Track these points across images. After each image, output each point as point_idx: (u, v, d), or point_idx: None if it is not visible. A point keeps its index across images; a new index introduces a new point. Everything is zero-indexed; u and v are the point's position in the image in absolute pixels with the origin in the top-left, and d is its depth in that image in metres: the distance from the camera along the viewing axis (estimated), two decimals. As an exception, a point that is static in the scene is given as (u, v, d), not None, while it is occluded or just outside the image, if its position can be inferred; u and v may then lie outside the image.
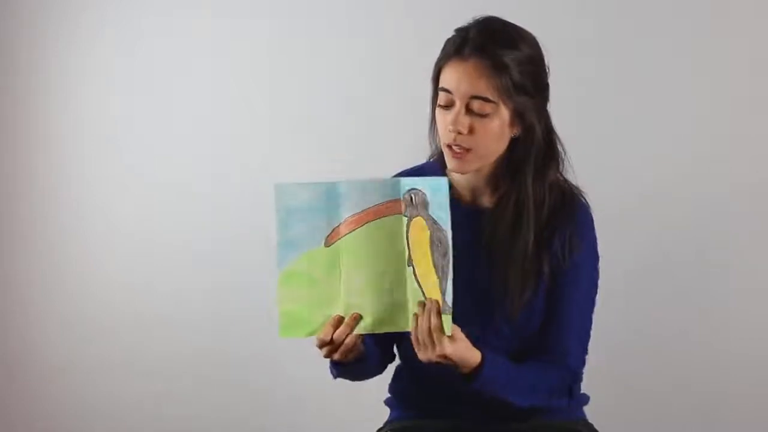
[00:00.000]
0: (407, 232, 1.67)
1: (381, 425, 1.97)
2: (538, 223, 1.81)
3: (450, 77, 1.77)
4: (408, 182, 1.67)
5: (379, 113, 2.91)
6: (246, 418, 3.03)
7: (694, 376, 2.75)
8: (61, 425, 3.17)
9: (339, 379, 1.87)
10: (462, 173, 1.82)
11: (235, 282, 3.04)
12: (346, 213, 1.68)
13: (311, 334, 1.72)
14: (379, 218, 1.67)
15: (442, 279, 1.66)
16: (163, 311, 3.09)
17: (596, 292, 1.89)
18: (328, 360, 1.77)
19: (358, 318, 1.68)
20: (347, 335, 1.68)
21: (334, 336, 1.68)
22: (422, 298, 1.66)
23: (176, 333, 3.08)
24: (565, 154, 1.86)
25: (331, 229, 1.69)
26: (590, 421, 1.96)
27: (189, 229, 3.08)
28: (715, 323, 2.75)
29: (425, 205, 1.67)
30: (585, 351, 1.88)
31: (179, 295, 3.08)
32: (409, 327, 1.67)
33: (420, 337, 1.66)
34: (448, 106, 1.78)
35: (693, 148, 2.75)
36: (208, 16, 3.07)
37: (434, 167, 1.89)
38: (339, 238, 1.68)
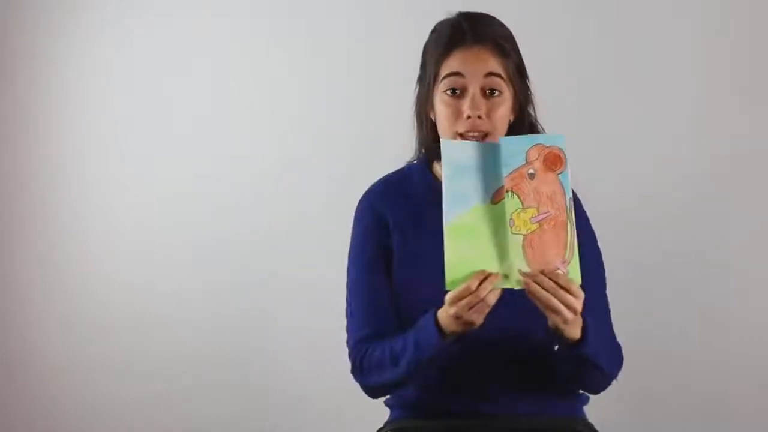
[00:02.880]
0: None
1: (381, 425, 1.97)
2: None
3: (458, 62, 1.79)
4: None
5: (379, 113, 2.90)
6: (246, 418, 3.03)
7: (694, 376, 2.76)
8: (61, 425, 3.17)
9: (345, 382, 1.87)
10: None
11: (235, 282, 3.04)
12: (509, 169, 1.70)
13: None
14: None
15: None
16: (163, 311, 3.09)
17: (604, 269, 1.91)
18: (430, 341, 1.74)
19: (499, 276, 1.67)
20: (490, 291, 1.66)
21: (480, 288, 1.65)
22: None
23: (176, 333, 3.08)
24: None
25: (499, 186, 1.70)
26: (590, 421, 1.96)
27: (189, 229, 3.08)
28: (715, 323, 2.75)
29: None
30: (610, 324, 1.90)
31: (179, 295, 3.08)
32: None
33: (546, 301, 1.65)
34: (459, 92, 1.79)
35: (693, 148, 2.75)
36: (208, 16, 3.07)
37: (420, 169, 1.91)
38: (504, 195, 1.70)
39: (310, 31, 3.00)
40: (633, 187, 2.77)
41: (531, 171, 1.70)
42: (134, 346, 3.11)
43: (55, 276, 3.17)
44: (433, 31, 1.87)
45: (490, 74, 1.79)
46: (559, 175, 1.69)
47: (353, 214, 1.95)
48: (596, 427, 1.94)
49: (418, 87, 1.89)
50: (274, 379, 3.02)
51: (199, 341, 3.07)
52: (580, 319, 1.71)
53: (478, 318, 1.68)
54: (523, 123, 1.87)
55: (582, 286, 1.69)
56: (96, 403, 3.14)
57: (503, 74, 1.80)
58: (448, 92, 1.80)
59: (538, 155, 1.70)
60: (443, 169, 1.72)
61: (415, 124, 1.91)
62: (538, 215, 1.69)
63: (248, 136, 3.05)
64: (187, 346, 3.08)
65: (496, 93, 1.79)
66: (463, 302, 1.66)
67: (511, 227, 1.68)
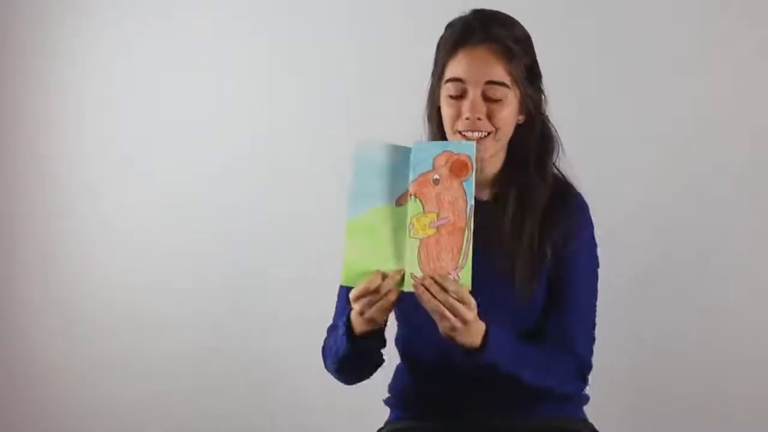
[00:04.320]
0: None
1: (381, 425, 1.97)
2: (540, 213, 1.83)
3: (460, 66, 1.79)
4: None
5: (380, 113, 2.91)
6: (246, 418, 3.04)
7: (695, 376, 2.75)
8: (61, 425, 3.17)
9: (339, 382, 1.87)
10: (479, 160, 1.82)
11: (235, 282, 3.04)
12: (415, 174, 1.72)
13: None
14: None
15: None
16: (163, 311, 3.09)
17: (597, 280, 1.89)
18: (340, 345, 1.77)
19: (401, 275, 1.68)
20: (389, 291, 1.67)
21: (381, 286, 1.67)
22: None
23: (176, 333, 3.08)
24: (560, 142, 1.89)
25: (405, 189, 1.72)
26: (590, 421, 1.96)
27: (189, 229, 3.08)
28: (715, 324, 2.74)
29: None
30: (592, 338, 1.89)
31: (179, 295, 3.08)
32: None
33: (432, 306, 1.66)
34: (460, 96, 1.79)
35: (694, 150, 2.75)
36: (208, 16, 3.07)
37: None
38: (407, 200, 1.71)
39: (310, 31, 3.00)
40: (633, 188, 2.77)
41: (436, 177, 1.70)
42: (134, 346, 3.11)
43: (55, 276, 3.18)
44: (447, 27, 1.86)
45: (491, 82, 1.78)
46: (464, 183, 1.70)
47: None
48: (596, 427, 1.94)
49: (430, 82, 1.89)
50: (274, 378, 3.02)
51: (199, 341, 3.07)
52: (479, 327, 1.70)
53: (380, 316, 1.69)
54: (533, 124, 1.85)
55: (566, 292, 1.72)
56: (96, 403, 3.14)
57: (507, 80, 1.79)
58: (451, 94, 1.81)
59: (446, 162, 1.70)
60: (351, 168, 1.74)
61: (425, 119, 1.91)
62: (437, 220, 1.70)
63: (248, 136, 3.05)
64: (187, 346, 3.08)
65: (498, 98, 1.79)
66: (365, 300, 1.68)
67: (410, 231, 1.69)
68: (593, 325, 1.89)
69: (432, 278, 1.65)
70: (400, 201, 1.72)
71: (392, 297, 1.68)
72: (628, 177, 2.77)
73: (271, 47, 3.03)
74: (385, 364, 1.88)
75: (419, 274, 1.67)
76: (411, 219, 1.70)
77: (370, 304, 1.68)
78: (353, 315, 1.73)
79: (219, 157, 3.06)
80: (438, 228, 1.69)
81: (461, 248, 1.68)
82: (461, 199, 1.70)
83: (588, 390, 1.97)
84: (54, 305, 3.17)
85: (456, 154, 1.70)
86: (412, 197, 1.70)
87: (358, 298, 1.68)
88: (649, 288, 2.77)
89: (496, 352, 1.72)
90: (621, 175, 2.77)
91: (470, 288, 1.67)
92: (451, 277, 1.66)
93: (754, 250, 2.72)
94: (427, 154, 1.71)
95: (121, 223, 3.12)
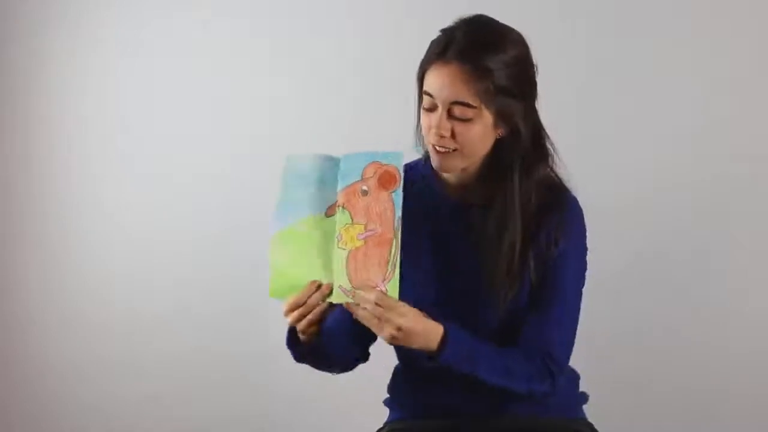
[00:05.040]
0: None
1: (381, 425, 1.97)
2: (525, 220, 1.80)
3: (432, 81, 1.76)
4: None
5: (380, 113, 2.91)
6: (245, 418, 3.04)
7: (694, 375, 2.76)
8: (61, 425, 3.17)
9: (333, 379, 1.88)
10: (447, 172, 1.83)
11: (236, 282, 3.04)
12: (343, 185, 1.72)
13: None
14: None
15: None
16: (162, 311, 3.09)
17: (583, 284, 1.87)
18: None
19: (331, 288, 1.69)
20: (319, 302, 1.69)
21: (309, 300, 1.69)
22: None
23: (176, 333, 3.08)
24: (554, 150, 1.85)
25: (334, 200, 1.72)
26: (590, 420, 1.96)
27: (189, 228, 3.08)
28: (714, 323, 2.75)
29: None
30: (570, 341, 1.85)
31: (179, 294, 3.08)
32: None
33: (362, 316, 1.68)
34: (432, 109, 1.78)
35: (691, 149, 2.75)
36: (208, 16, 3.07)
37: (426, 165, 1.90)
38: (336, 211, 1.71)
39: (310, 31, 3.00)
40: (631, 187, 2.77)
41: (364, 188, 1.71)
42: (134, 345, 3.11)
43: (55, 276, 3.17)
44: (439, 32, 1.83)
45: (456, 103, 1.75)
46: (392, 194, 1.70)
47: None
48: (596, 427, 1.94)
49: (417, 86, 1.88)
50: (274, 379, 3.02)
51: (199, 341, 3.07)
52: (431, 330, 1.71)
53: (307, 329, 1.72)
54: (518, 135, 1.80)
55: (549, 293, 1.74)
56: (95, 403, 3.14)
57: (474, 102, 1.73)
58: (425, 106, 1.79)
59: (374, 173, 1.71)
60: (281, 179, 1.75)
61: (416, 122, 1.90)
62: (365, 232, 1.70)
63: (248, 135, 3.05)
64: (187, 346, 3.08)
65: (463, 119, 1.75)
66: (295, 313, 1.70)
67: (338, 242, 1.69)
68: (574, 328, 1.85)
69: (359, 290, 1.67)
70: (329, 212, 1.72)
71: (320, 310, 1.70)
72: (625, 176, 2.77)
73: (271, 47, 3.03)
74: (385, 364, 1.88)
75: (348, 285, 1.68)
76: (339, 230, 1.70)
77: (301, 317, 1.70)
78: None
79: (219, 157, 3.06)
80: (365, 239, 1.69)
81: (388, 260, 1.68)
82: (389, 211, 1.69)
83: (588, 390, 1.97)
84: (53, 305, 3.17)
85: (384, 165, 1.70)
86: (340, 208, 1.70)
87: (287, 312, 1.71)
88: (648, 288, 2.77)
89: (453, 354, 1.72)
90: (618, 175, 2.77)
91: (396, 298, 1.67)
92: (378, 289, 1.67)
93: (752, 249, 2.73)
94: (355, 164, 1.72)
95: (120, 222, 3.12)
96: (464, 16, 1.81)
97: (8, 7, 3.17)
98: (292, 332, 1.78)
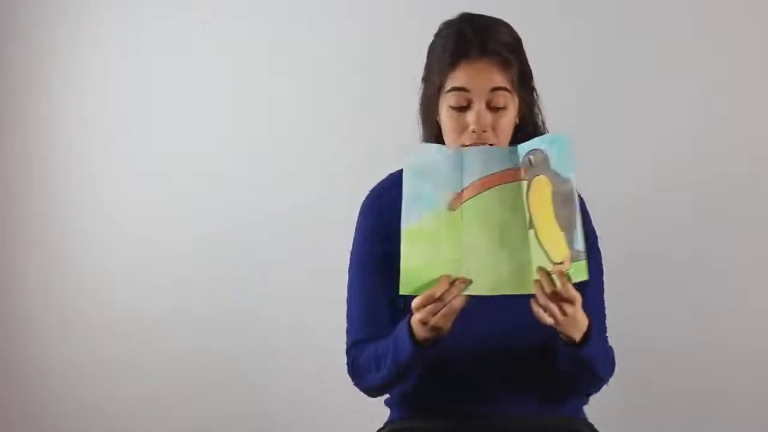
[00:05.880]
0: (528, 195, 1.71)
1: (381, 425, 1.97)
2: None
3: (464, 76, 1.78)
4: (526, 146, 1.72)
5: (380, 113, 2.91)
6: (245, 418, 3.03)
7: (694, 375, 2.75)
8: (61, 425, 3.17)
9: (340, 382, 1.87)
10: None
11: (236, 282, 3.04)
12: (471, 178, 1.72)
13: None
14: (501, 184, 1.72)
15: (568, 230, 1.66)
16: (162, 311, 3.09)
17: (602, 272, 1.91)
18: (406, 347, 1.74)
19: (467, 282, 1.68)
20: (455, 296, 1.67)
21: (445, 295, 1.66)
22: (545, 261, 1.66)
23: (176, 333, 3.08)
24: None
25: (455, 194, 1.72)
26: (590, 421, 1.96)
27: (189, 229, 3.08)
28: (714, 323, 2.75)
29: (546, 161, 1.70)
30: (604, 330, 1.89)
31: (179, 294, 3.08)
32: (528, 290, 1.67)
33: (542, 302, 1.66)
34: (464, 107, 1.79)
35: (692, 149, 2.75)
36: (208, 16, 3.07)
37: None
38: (462, 203, 1.71)
39: (310, 31, 3.00)
40: (631, 187, 2.77)
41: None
42: (134, 345, 3.11)
43: (55, 276, 3.17)
44: (438, 36, 1.86)
45: (496, 89, 1.79)
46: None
47: (356, 213, 1.95)
48: (596, 427, 1.94)
49: (422, 87, 1.89)
50: (274, 379, 3.01)
51: (199, 341, 3.07)
52: (583, 321, 1.71)
53: (444, 323, 1.68)
54: (527, 125, 1.86)
55: (583, 287, 1.70)
56: (95, 403, 3.14)
57: (508, 86, 1.80)
58: (454, 105, 1.80)
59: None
60: (404, 173, 1.73)
61: (421, 124, 1.91)
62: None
63: (248, 135, 3.05)
64: (187, 346, 3.08)
65: (502, 105, 1.80)
66: (429, 308, 1.67)
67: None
68: (605, 318, 1.90)
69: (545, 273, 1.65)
70: (453, 205, 1.72)
71: (457, 304, 1.67)
72: (625, 176, 2.77)
73: (271, 47, 3.03)
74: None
75: (550, 265, 1.66)
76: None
77: (434, 312, 1.67)
78: (415, 323, 1.71)
79: (219, 157, 3.06)
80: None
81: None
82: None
83: (588, 390, 1.97)
84: (53, 305, 3.17)
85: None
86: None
87: (421, 306, 1.67)
88: (648, 287, 2.76)
89: (592, 348, 1.73)
90: (618, 175, 2.77)
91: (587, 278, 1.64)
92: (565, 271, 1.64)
93: (752, 249, 2.73)
94: (478, 159, 1.72)
95: (120, 222, 3.12)
96: (454, 17, 1.85)
97: (8, 7, 3.17)
98: (410, 334, 1.73)
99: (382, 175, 1.98)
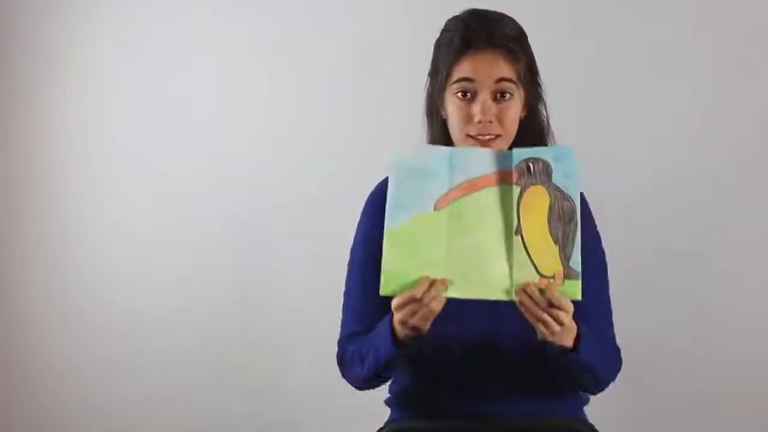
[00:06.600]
0: (519, 201, 1.70)
1: (381, 425, 1.97)
2: None
3: (470, 67, 1.80)
4: (525, 152, 1.72)
5: (380, 112, 2.91)
6: (245, 418, 3.03)
7: (694, 375, 2.75)
8: (61, 425, 3.17)
9: (341, 383, 1.87)
10: None
11: (235, 282, 3.04)
12: (458, 179, 1.71)
13: None
14: (489, 186, 1.71)
15: (565, 245, 1.66)
16: (163, 310, 3.09)
17: (606, 270, 1.92)
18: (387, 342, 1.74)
19: (446, 284, 1.67)
20: (434, 298, 1.66)
21: (424, 296, 1.66)
22: (530, 270, 1.66)
23: (176, 333, 3.08)
24: (552, 132, 1.91)
25: (442, 194, 1.71)
26: (590, 421, 1.96)
27: (189, 228, 3.08)
28: (715, 323, 2.75)
29: (547, 173, 1.69)
30: (611, 326, 1.91)
31: (179, 294, 3.08)
32: (509, 296, 1.67)
33: (535, 313, 1.65)
34: (470, 96, 1.80)
35: (692, 148, 2.75)
36: (208, 16, 3.07)
37: None
38: (448, 203, 1.70)
39: (310, 31, 3.00)
40: (631, 187, 2.77)
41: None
42: (134, 345, 3.11)
43: (55, 276, 3.17)
44: (445, 30, 1.87)
45: (501, 80, 1.80)
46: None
47: (356, 212, 1.95)
48: (596, 427, 1.94)
49: (429, 82, 1.90)
50: (274, 379, 3.01)
51: (199, 341, 3.07)
52: (573, 329, 1.71)
53: (423, 324, 1.68)
54: (534, 120, 1.88)
55: (584, 287, 1.70)
56: (95, 403, 3.14)
57: (514, 77, 1.80)
58: (459, 95, 1.81)
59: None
60: (390, 174, 1.73)
61: (426, 120, 1.91)
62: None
63: (248, 135, 3.05)
64: (187, 345, 3.08)
65: (507, 96, 1.80)
66: (408, 309, 1.67)
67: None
68: (611, 313, 1.91)
69: (533, 287, 1.65)
70: (438, 205, 1.71)
71: (436, 306, 1.67)
72: (625, 176, 2.77)
73: (271, 47, 3.03)
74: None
75: (535, 276, 1.66)
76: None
77: (413, 313, 1.67)
78: (395, 322, 1.71)
79: (219, 157, 3.06)
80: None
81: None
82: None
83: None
84: (53, 305, 3.17)
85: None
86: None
87: (401, 306, 1.68)
88: (648, 287, 2.76)
89: (585, 352, 1.73)
90: (618, 174, 2.77)
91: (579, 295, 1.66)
92: (555, 286, 1.65)
93: (752, 249, 2.73)
94: (468, 159, 1.72)
95: (120, 222, 3.12)
96: (459, 12, 1.86)
97: (9, 7, 3.17)
98: (393, 331, 1.74)
99: (382, 175, 1.98)
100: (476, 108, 1.79)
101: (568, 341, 1.71)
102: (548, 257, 1.66)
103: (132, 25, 3.11)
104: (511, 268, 1.68)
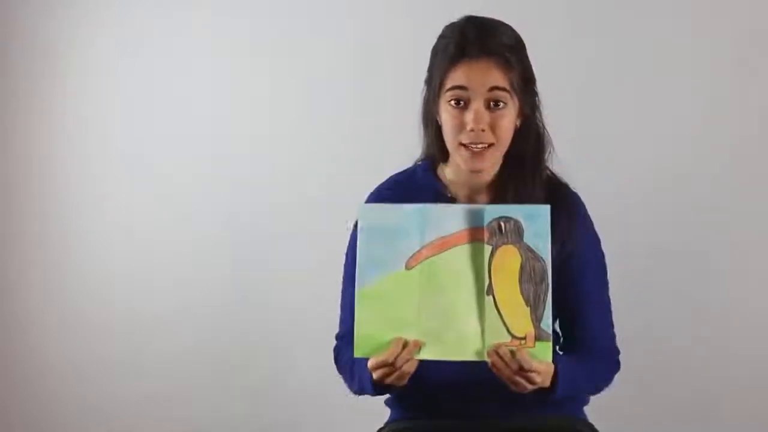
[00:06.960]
0: (491, 260, 1.69)
1: (381, 425, 1.97)
2: None
3: (463, 75, 1.79)
4: (497, 210, 1.71)
5: (380, 113, 2.91)
6: (245, 418, 3.03)
7: (694, 375, 2.75)
8: (61, 425, 3.17)
9: (339, 383, 1.87)
10: (481, 171, 1.83)
11: (235, 282, 3.04)
12: (430, 237, 1.70)
13: None
14: (461, 244, 1.70)
15: (536, 307, 1.67)
16: (163, 310, 3.09)
17: (606, 272, 1.92)
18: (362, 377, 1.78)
19: (419, 345, 1.68)
20: (407, 361, 1.68)
21: (397, 360, 1.68)
22: (502, 330, 1.67)
23: (176, 333, 3.08)
24: (551, 141, 1.90)
25: (413, 252, 1.71)
26: (590, 421, 1.96)
27: (189, 229, 3.08)
28: (714, 322, 2.75)
29: (518, 232, 1.69)
30: (612, 325, 1.92)
31: (179, 294, 3.08)
32: (481, 357, 1.68)
33: (506, 375, 1.68)
34: (463, 104, 1.79)
35: (692, 149, 2.75)
36: (208, 16, 3.07)
37: (425, 170, 1.91)
38: (419, 262, 1.70)
39: (310, 31, 3.00)
40: (631, 186, 2.77)
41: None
42: (134, 345, 3.11)
43: (55, 276, 3.17)
44: (442, 36, 1.86)
45: (494, 88, 1.79)
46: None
47: (355, 212, 1.95)
48: (596, 427, 1.94)
49: (425, 89, 1.89)
50: (274, 379, 3.01)
51: (199, 341, 3.07)
52: (549, 371, 1.72)
53: (399, 382, 1.70)
54: (529, 129, 1.87)
55: (580, 289, 1.73)
56: (95, 403, 3.14)
57: (507, 87, 1.79)
58: (453, 103, 1.80)
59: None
60: (359, 234, 1.72)
61: (422, 125, 1.91)
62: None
63: (248, 136, 3.05)
64: (187, 345, 3.08)
65: (501, 105, 1.80)
66: (381, 371, 1.69)
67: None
68: (610, 314, 1.92)
69: (504, 349, 1.67)
70: (410, 263, 1.71)
71: (409, 368, 1.69)
72: (625, 176, 2.77)
73: (271, 47, 3.03)
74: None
75: (506, 336, 1.67)
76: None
77: (387, 375, 1.69)
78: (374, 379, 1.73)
79: (219, 157, 3.06)
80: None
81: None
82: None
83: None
84: (53, 305, 3.17)
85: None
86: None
87: (374, 369, 1.70)
88: (648, 287, 2.76)
89: (565, 388, 1.75)
90: (618, 174, 2.77)
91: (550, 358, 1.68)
92: (525, 349, 1.67)
93: (752, 249, 2.73)
94: (438, 217, 1.71)
95: (120, 222, 3.12)
96: (457, 20, 1.85)
97: (9, 7, 3.17)
98: (373, 383, 1.75)
99: (382, 175, 1.98)
100: (469, 116, 1.79)
101: (545, 383, 1.72)
102: (520, 318, 1.67)
103: (132, 25, 3.11)
104: (483, 328, 1.68)
